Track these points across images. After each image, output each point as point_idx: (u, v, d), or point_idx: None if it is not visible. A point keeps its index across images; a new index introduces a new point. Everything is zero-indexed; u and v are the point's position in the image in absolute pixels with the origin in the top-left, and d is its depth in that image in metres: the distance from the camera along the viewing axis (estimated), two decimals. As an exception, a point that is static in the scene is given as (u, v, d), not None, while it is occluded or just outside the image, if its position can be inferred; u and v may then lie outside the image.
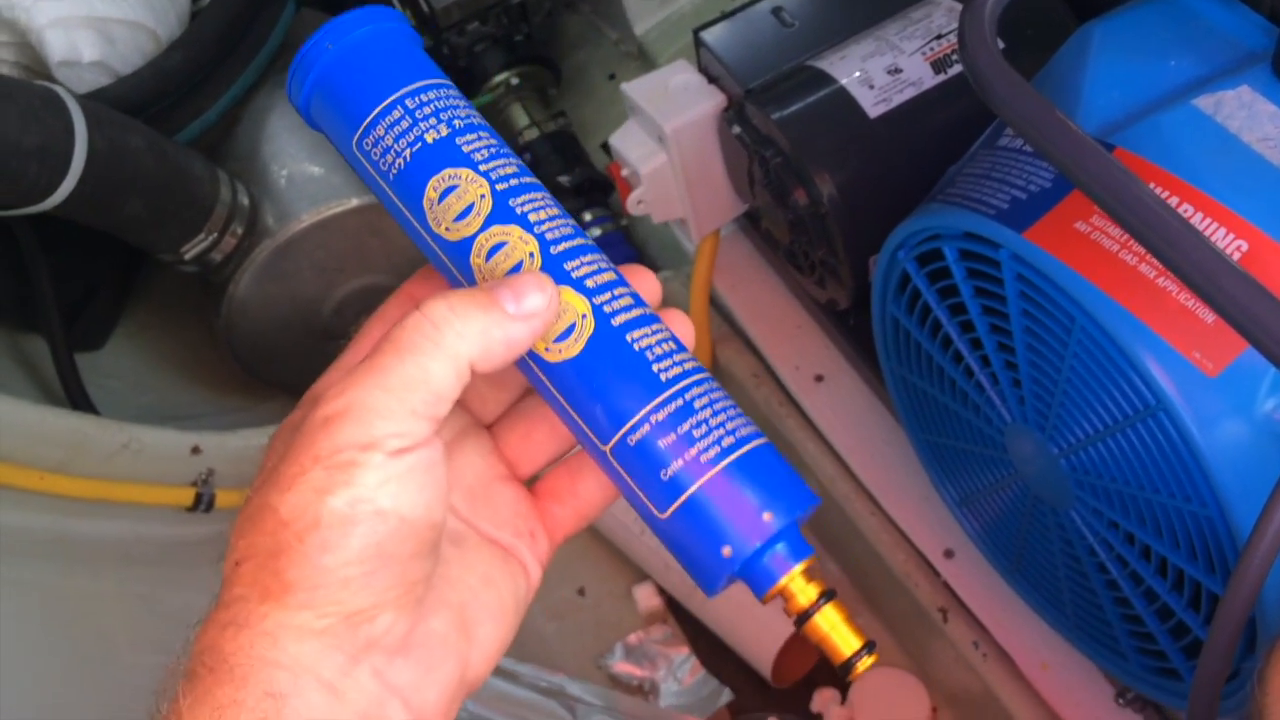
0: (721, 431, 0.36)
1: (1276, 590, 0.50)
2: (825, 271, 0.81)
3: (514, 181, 0.38)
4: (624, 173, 0.89)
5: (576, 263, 0.38)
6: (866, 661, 0.36)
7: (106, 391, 1.00)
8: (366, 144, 0.39)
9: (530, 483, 0.41)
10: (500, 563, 0.38)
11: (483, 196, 0.38)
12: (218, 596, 0.34)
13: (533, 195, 0.39)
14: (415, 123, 0.38)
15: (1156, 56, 0.57)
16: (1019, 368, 0.60)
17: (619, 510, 1.01)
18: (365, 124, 0.39)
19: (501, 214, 0.38)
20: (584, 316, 0.37)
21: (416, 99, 0.39)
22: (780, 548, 0.36)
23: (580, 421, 0.37)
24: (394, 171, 0.39)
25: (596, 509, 0.41)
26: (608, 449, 0.37)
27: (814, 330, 0.95)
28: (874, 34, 0.78)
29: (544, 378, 0.37)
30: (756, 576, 0.36)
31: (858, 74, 0.75)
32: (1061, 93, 0.59)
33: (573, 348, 0.37)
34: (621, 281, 0.38)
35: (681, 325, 0.39)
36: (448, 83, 0.40)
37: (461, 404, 0.35)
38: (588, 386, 0.36)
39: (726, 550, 0.35)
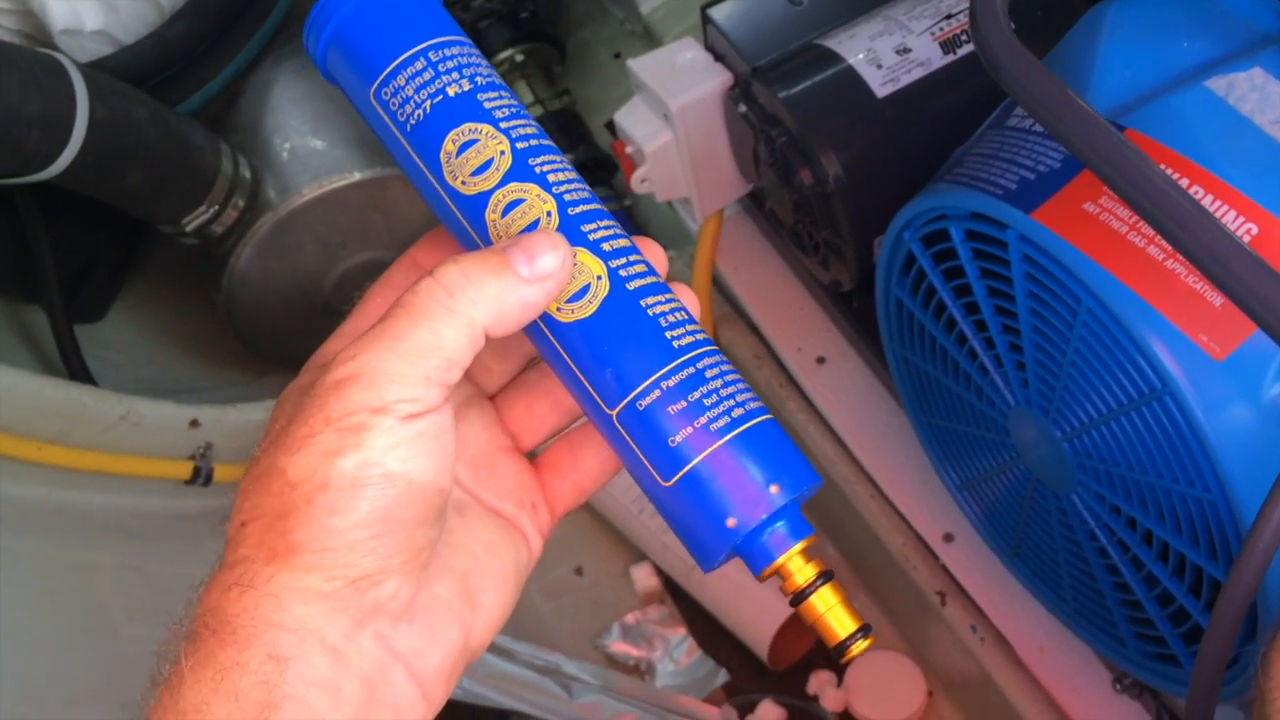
0: (731, 403, 0.36)
1: (1279, 576, 0.50)
2: (829, 252, 0.81)
3: (534, 142, 0.38)
4: (628, 150, 0.89)
5: (594, 225, 0.37)
6: (861, 645, 0.36)
7: (105, 363, 1.00)
8: (385, 93, 0.39)
9: (531, 457, 0.41)
10: (503, 532, 0.38)
11: (502, 153, 0.37)
12: (221, 557, 0.33)
13: (551, 157, 0.38)
14: (438, 75, 0.38)
15: (1169, 38, 0.57)
16: (1024, 350, 0.60)
17: (617, 489, 1.01)
18: (386, 73, 0.38)
19: (520, 171, 0.37)
20: (599, 278, 0.36)
21: (440, 52, 0.38)
22: (780, 525, 0.36)
23: (587, 384, 0.37)
24: (412, 122, 0.38)
25: (596, 483, 0.40)
26: (614, 413, 0.36)
27: (816, 312, 0.95)
28: (883, 13, 0.77)
29: (553, 338, 0.37)
30: (755, 553, 0.36)
31: (866, 53, 0.75)
32: (1072, 73, 0.58)
33: (586, 309, 0.36)
34: (635, 249, 0.38)
35: (689, 299, 0.39)
36: (469, 41, 0.40)
37: (466, 374, 0.35)
38: (599, 349, 0.36)
39: (731, 521, 0.35)
